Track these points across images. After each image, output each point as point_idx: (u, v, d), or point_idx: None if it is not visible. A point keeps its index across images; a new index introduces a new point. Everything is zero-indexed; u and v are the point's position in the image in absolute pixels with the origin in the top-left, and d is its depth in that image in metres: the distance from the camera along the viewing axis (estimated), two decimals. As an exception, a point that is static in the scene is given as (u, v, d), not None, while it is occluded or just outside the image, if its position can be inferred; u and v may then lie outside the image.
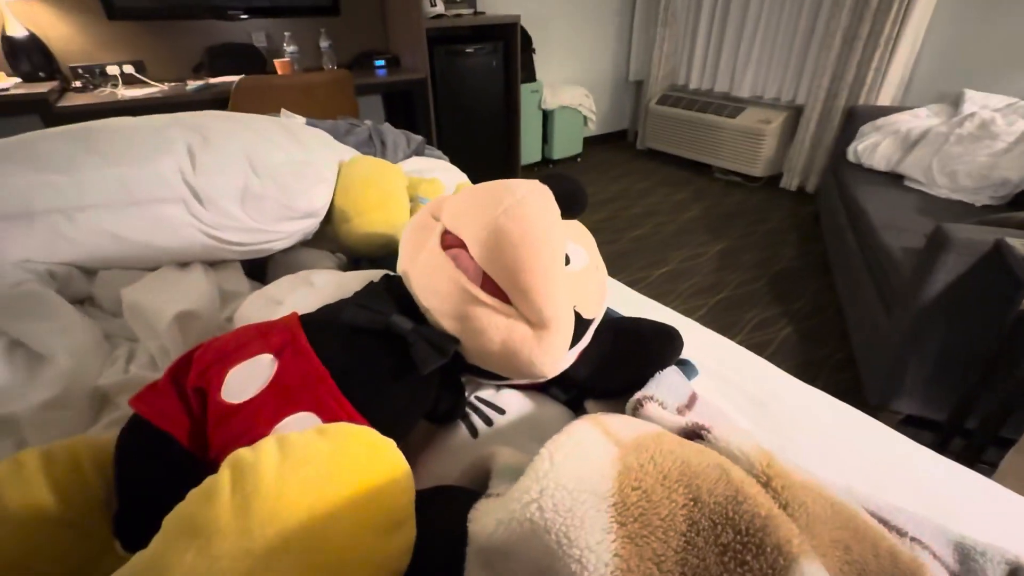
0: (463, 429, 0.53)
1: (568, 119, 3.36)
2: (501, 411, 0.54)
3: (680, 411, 0.48)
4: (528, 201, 0.44)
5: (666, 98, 3.49)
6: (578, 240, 0.54)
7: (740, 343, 0.80)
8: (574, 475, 0.30)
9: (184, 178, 0.67)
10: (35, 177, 0.63)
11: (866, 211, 1.79)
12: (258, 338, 0.46)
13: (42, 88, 1.80)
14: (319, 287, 0.68)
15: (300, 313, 0.51)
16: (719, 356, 0.72)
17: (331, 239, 0.90)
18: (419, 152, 1.37)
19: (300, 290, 0.67)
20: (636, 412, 0.45)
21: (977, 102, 2.02)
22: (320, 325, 0.48)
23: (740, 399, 0.64)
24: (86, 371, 0.57)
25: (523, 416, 0.54)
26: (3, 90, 1.75)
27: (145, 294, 0.64)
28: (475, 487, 0.41)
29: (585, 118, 3.47)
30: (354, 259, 0.90)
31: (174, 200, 0.66)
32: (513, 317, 0.46)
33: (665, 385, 0.49)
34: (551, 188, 0.47)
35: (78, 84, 2.04)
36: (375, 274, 0.63)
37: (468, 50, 2.59)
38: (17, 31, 1.88)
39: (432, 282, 0.48)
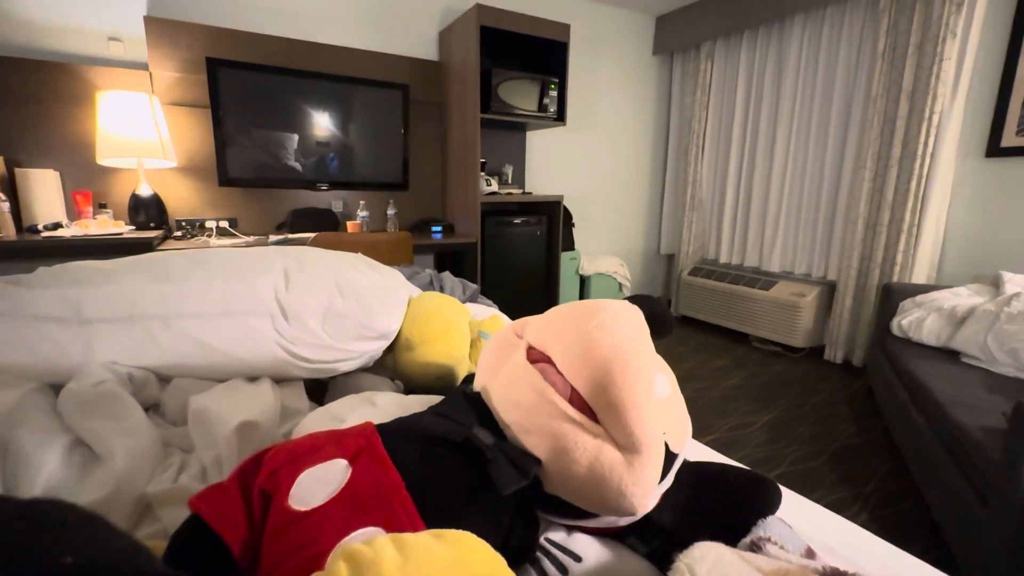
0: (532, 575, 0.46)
1: (603, 284, 3.55)
2: (577, 558, 0.47)
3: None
4: (621, 317, 0.45)
5: (698, 270, 3.68)
6: (661, 369, 0.53)
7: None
8: (725, 598, 0.25)
9: (276, 295, 0.72)
10: (147, 286, 0.69)
11: (927, 386, 1.70)
12: (332, 443, 0.44)
13: (149, 235, 2.08)
14: (381, 407, 0.67)
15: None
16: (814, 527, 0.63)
17: (390, 368, 0.91)
18: (473, 299, 1.46)
19: (362, 409, 0.66)
20: (755, 553, 0.38)
21: (1017, 283, 2.04)
22: (396, 434, 0.46)
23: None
24: (138, 475, 0.55)
25: (601, 565, 0.47)
26: (117, 234, 2.04)
27: (213, 400, 0.64)
28: None
29: (620, 284, 3.66)
30: (410, 390, 0.90)
31: (263, 314, 0.71)
32: (602, 438, 0.43)
33: (775, 532, 0.43)
34: (641, 308, 0.48)
35: (178, 233, 2.35)
36: (438, 399, 0.62)
37: (516, 221, 2.91)
38: (144, 191, 2.27)
39: (515, 395, 0.46)
